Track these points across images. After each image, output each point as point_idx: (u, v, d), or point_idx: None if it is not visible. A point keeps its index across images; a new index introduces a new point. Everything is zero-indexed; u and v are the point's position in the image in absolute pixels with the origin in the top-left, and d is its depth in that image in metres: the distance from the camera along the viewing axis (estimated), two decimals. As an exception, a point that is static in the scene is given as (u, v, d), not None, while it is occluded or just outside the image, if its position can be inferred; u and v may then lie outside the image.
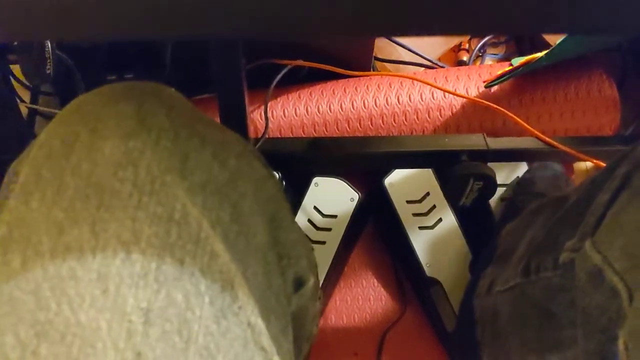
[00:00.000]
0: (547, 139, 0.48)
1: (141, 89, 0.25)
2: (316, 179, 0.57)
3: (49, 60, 0.37)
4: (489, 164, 0.47)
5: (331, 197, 0.57)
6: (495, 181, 0.44)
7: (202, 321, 0.21)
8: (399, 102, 0.56)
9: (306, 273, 0.34)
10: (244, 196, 0.26)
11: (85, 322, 0.20)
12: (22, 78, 0.42)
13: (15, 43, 0.37)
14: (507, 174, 0.57)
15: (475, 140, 0.46)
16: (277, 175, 0.53)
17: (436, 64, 0.65)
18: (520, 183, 0.55)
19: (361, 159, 0.50)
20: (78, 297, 0.20)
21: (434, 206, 0.57)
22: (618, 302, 0.27)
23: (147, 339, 0.20)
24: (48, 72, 0.37)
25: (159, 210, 0.22)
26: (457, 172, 0.44)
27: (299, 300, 0.33)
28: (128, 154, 0.22)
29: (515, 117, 0.49)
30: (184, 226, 0.22)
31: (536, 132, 0.48)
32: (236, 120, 0.45)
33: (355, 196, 0.57)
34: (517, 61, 0.55)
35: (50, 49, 0.37)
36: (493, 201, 0.57)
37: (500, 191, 0.56)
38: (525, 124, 0.49)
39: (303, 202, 0.57)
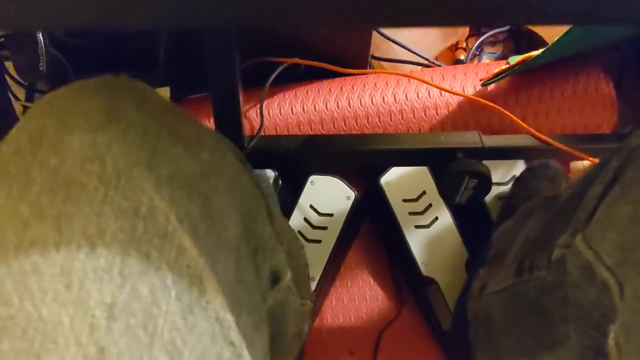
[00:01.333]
0: (542, 136, 0.47)
1: (112, 83, 0.25)
2: (312, 178, 0.57)
3: (42, 57, 0.37)
4: (485, 162, 0.47)
5: (327, 195, 0.57)
6: (490, 179, 0.44)
7: (168, 316, 0.21)
8: (395, 100, 0.56)
9: (283, 267, 0.33)
10: (216, 190, 0.26)
11: (47, 317, 0.19)
12: (16, 75, 0.42)
13: (9, 40, 0.37)
14: (503, 173, 0.56)
15: (471, 138, 0.46)
16: (269, 172, 0.53)
17: (433, 62, 0.65)
18: (517, 182, 0.55)
19: (357, 156, 0.50)
20: (41, 292, 0.20)
21: (430, 205, 0.56)
22: (609, 297, 0.27)
23: (110, 333, 0.20)
24: (41, 69, 0.37)
25: (125, 205, 0.22)
26: (452, 170, 0.44)
27: (276, 295, 0.33)
28: (95, 148, 0.22)
29: (511, 115, 0.49)
30: (150, 220, 0.22)
31: (532, 130, 0.48)
32: (230, 118, 0.45)
33: (352, 195, 0.57)
34: (514, 59, 0.55)
35: (43, 46, 0.36)
36: (490, 200, 0.57)
37: (497, 190, 0.56)
38: (521, 122, 0.48)
39: (299, 201, 0.57)
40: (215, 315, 0.23)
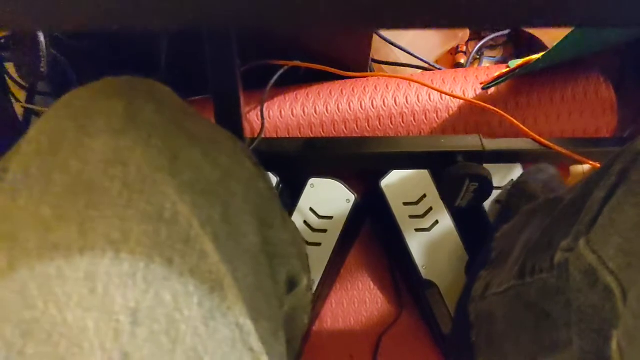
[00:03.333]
0: (543, 140, 0.47)
1: (132, 85, 0.25)
2: (312, 180, 0.57)
3: (43, 59, 0.37)
4: (485, 166, 0.47)
5: (327, 198, 0.57)
6: (491, 182, 0.44)
7: (191, 322, 0.21)
8: (396, 103, 0.56)
9: (299, 273, 0.33)
10: (235, 196, 0.26)
11: (72, 322, 0.19)
12: (17, 77, 0.42)
13: (9, 41, 0.37)
14: (502, 177, 0.56)
15: (471, 141, 0.46)
16: (270, 175, 0.53)
17: (433, 66, 0.65)
18: (514, 185, 0.55)
19: (357, 159, 0.50)
20: (65, 296, 0.20)
21: (431, 208, 0.56)
22: (612, 301, 0.27)
23: (134, 339, 0.20)
24: (42, 70, 0.37)
25: (149, 209, 0.22)
26: (453, 173, 0.44)
27: (292, 301, 0.33)
28: (118, 152, 0.22)
29: (511, 118, 0.49)
30: (173, 225, 0.22)
31: (532, 133, 0.48)
32: (231, 121, 0.45)
33: (352, 197, 0.57)
34: (514, 63, 0.55)
35: (44, 47, 0.36)
36: (488, 204, 0.57)
37: (495, 194, 0.56)
38: (522, 126, 0.48)
39: (299, 203, 0.56)
40: (235, 322, 0.23)
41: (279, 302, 0.30)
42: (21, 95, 0.53)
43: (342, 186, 0.57)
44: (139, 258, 0.21)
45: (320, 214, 0.56)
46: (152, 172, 0.22)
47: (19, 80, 0.46)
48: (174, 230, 0.22)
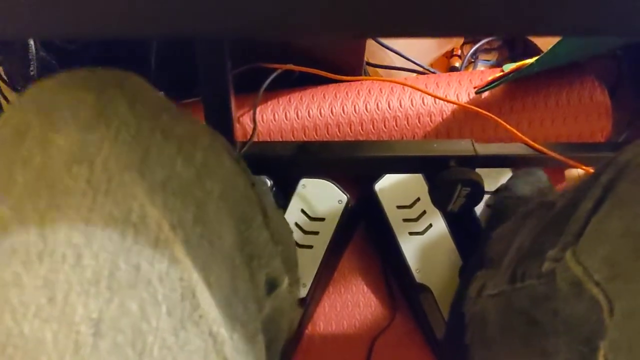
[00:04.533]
0: (536, 145, 0.47)
1: (102, 76, 0.23)
2: (303, 181, 0.57)
3: (32, 62, 0.36)
4: (478, 170, 0.47)
5: (319, 199, 0.56)
6: (482, 187, 0.44)
7: (159, 332, 0.20)
8: (389, 107, 0.56)
9: (280, 274, 0.32)
10: (211, 195, 0.24)
11: (28, 333, 0.18)
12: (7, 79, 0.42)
13: (-2, 43, 0.37)
14: (492, 181, 0.56)
15: (464, 146, 0.46)
16: (261, 178, 0.53)
17: (428, 69, 0.65)
18: (505, 188, 0.55)
19: (350, 163, 0.49)
20: (22, 306, 0.18)
21: (424, 212, 0.56)
22: (598, 313, 0.26)
23: (96, 351, 0.18)
24: (32, 73, 0.37)
25: (115, 211, 0.20)
26: (445, 178, 0.43)
27: (273, 302, 0.32)
28: (84, 148, 0.20)
29: (504, 123, 0.49)
30: (141, 229, 0.20)
31: (525, 138, 0.48)
32: (222, 124, 0.45)
33: (344, 198, 0.56)
34: (509, 67, 0.55)
35: (33, 50, 0.36)
36: (479, 208, 0.57)
37: (485, 198, 0.56)
38: (515, 130, 0.48)
39: (290, 205, 0.56)
40: (208, 330, 0.21)
41: (257, 305, 0.28)
42: (12, 96, 0.53)
43: (334, 186, 0.57)
44: (103, 264, 0.19)
45: (312, 215, 0.56)
46: (120, 170, 0.21)
47: (8, 82, 0.46)
48: (142, 234, 0.20)
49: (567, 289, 0.29)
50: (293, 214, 0.56)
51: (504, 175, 0.57)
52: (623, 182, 0.28)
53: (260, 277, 0.30)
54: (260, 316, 0.29)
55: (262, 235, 0.30)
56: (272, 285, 0.32)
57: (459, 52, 0.70)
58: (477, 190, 0.44)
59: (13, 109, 0.22)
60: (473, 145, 0.46)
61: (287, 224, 0.50)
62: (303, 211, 0.56)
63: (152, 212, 0.21)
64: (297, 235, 0.56)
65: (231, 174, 0.27)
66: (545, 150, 0.47)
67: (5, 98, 0.45)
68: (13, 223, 0.20)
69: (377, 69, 0.66)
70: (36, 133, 0.21)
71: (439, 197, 0.45)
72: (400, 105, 0.56)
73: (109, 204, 0.20)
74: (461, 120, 0.56)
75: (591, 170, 0.48)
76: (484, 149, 0.46)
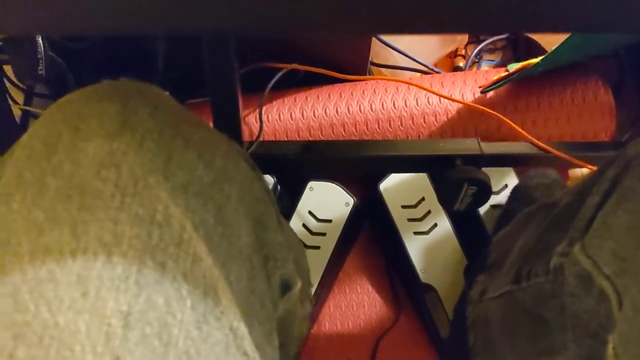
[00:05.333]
0: (541, 144, 0.47)
1: (125, 88, 0.25)
2: (311, 184, 0.57)
3: (41, 61, 0.37)
4: (484, 169, 0.47)
5: (326, 201, 0.57)
6: (489, 186, 0.44)
7: (183, 325, 0.21)
8: (394, 107, 0.56)
9: (293, 276, 0.33)
10: (230, 198, 0.26)
11: (63, 325, 0.19)
12: (15, 79, 0.42)
13: (7, 43, 0.37)
14: (495, 181, 0.56)
15: (469, 145, 0.46)
16: (265, 177, 0.53)
17: (432, 69, 0.65)
18: (515, 190, 0.55)
19: (355, 162, 0.49)
20: (57, 300, 0.19)
21: (429, 211, 0.56)
22: (607, 306, 0.27)
23: (126, 342, 0.19)
24: (40, 72, 0.37)
25: (141, 212, 0.21)
26: (451, 177, 0.44)
27: (285, 304, 0.33)
28: (111, 155, 0.22)
29: (510, 122, 0.49)
30: (166, 228, 0.22)
31: (530, 137, 0.48)
32: (229, 124, 0.45)
33: (350, 201, 0.57)
34: (513, 67, 0.55)
35: (42, 50, 0.36)
36: (483, 208, 0.57)
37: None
38: (520, 129, 0.48)
39: (297, 207, 0.56)
40: (229, 325, 0.23)
41: (272, 305, 0.30)
42: (19, 97, 0.53)
43: (341, 189, 0.57)
44: (131, 261, 0.21)
45: (319, 217, 0.56)
46: (145, 174, 0.22)
47: (17, 82, 0.46)
48: (167, 233, 0.22)
49: (576, 283, 0.30)
50: (301, 216, 0.56)
51: (508, 176, 0.57)
52: (629, 177, 0.28)
53: (275, 278, 0.31)
54: (275, 316, 0.30)
55: (277, 237, 0.31)
56: (285, 287, 0.32)
57: (463, 52, 0.70)
58: (483, 189, 0.44)
59: (42, 122, 0.24)
60: (479, 144, 0.46)
61: (295, 234, 0.51)
62: (311, 213, 0.56)
63: (175, 213, 0.22)
64: (305, 236, 0.56)
65: (247, 179, 0.29)
66: (550, 149, 0.47)
67: (12, 99, 0.46)
68: (46, 225, 0.21)
69: (382, 69, 0.66)
70: (66, 143, 0.22)
71: (446, 196, 0.45)
72: (406, 105, 0.56)
73: (135, 205, 0.21)
74: (466, 119, 0.56)
75: (595, 169, 0.48)
76: (489, 148, 0.46)
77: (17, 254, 0.20)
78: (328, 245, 0.55)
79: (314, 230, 0.56)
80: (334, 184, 0.57)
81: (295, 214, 0.56)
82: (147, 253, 0.21)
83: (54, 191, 0.21)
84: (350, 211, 0.57)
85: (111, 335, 0.19)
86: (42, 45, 0.37)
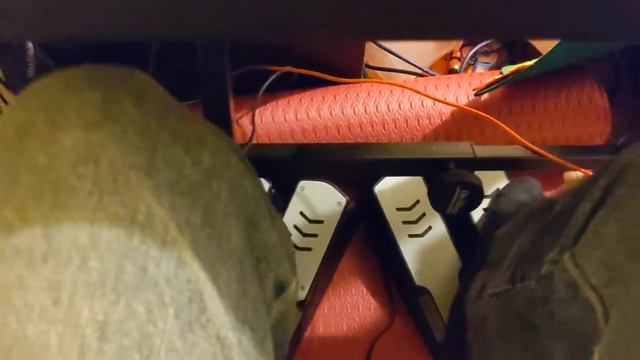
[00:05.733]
0: (534, 147, 0.47)
1: (108, 73, 0.22)
2: (302, 183, 0.57)
3: (30, 62, 0.36)
4: (477, 173, 0.46)
5: (317, 201, 0.56)
6: (482, 190, 0.43)
7: (166, 335, 0.19)
8: (388, 109, 0.56)
9: (288, 277, 0.32)
10: (218, 196, 0.24)
11: (33, 336, 0.18)
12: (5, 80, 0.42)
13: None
14: (487, 185, 0.56)
15: (463, 149, 0.46)
16: (261, 181, 0.53)
17: (427, 72, 0.65)
18: (500, 195, 0.55)
19: (349, 165, 0.49)
20: (26, 308, 0.18)
21: (424, 214, 0.56)
22: (592, 316, 0.26)
23: (102, 356, 0.18)
24: (29, 74, 0.37)
25: (121, 212, 0.20)
26: (443, 180, 0.43)
27: (280, 306, 0.31)
28: (89, 148, 0.20)
29: (503, 125, 0.49)
30: (147, 229, 0.20)
31: (524, 140, 0.48)
32: (221, 126, 0.44)
33: (343, 200, 0.56)
34: (508, 69, 0.55)
35: (32, 51, 0.36)
36: (476, 212, 0.56)
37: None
38: (514, 133, 0.48)
39: (288, 207, 0.56)
40: (216, 334, 0.21)
41: (266, 309, 0.28)
42: (11, 97, 0.53)
43: (333, 188, 0.57)
44: (109, 266, 0.19)
45: (311, 217, 0.56)
46: (126, 170, 0.20)
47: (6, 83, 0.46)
48: (149, 235, 0.20)
49: (564, 291, 0.29)
50: (292, 217, 0.56)
51: (500, 180, 0.57)
52: (622, 186, 0.28)
53: (268, 280, 0.29)
54: (269, 319, 0.28)
55: (269, 238, 0.29)
56: (280, 288, 0.31)
57: (458, 54, 0.70)
58: (476, 193, 0.44)
59: (15, 108, 0.21)
60: (472, 148, 0.46)
61: (286, 227, 0.50)
62: (302, 213, 0.56)
63: (159, 213, 0.20)
64: (296, 237, 0.56)
65: (238, 175, 0.27)
66: (544, 152, 0.47)
67: (4, 99, 0.45)
68: (17, 224, 0.19)
69: (377, 72, 0.66)
70: (40, 132, 0.20)
71: (438, 199, 0.45)
72: (400, 108, 0.56)
73: (115, 204, 0.20)
74: (460, 122, 0.56)
75: (590, 172, 0.48)
76: (482, 151, 0.46)
77: None
78: (320, 246, 0.55)
79: (306, 232, 0.56)
80: (325, 183, 0.57)
81: (286, 215, 0.56)
82: (126, 257, 0.19)
83: (26, 186, 0.19)
84: (343, 211, 0.56)
85: (86, 348, 0.18)
86: (31, 48, 0.36)
